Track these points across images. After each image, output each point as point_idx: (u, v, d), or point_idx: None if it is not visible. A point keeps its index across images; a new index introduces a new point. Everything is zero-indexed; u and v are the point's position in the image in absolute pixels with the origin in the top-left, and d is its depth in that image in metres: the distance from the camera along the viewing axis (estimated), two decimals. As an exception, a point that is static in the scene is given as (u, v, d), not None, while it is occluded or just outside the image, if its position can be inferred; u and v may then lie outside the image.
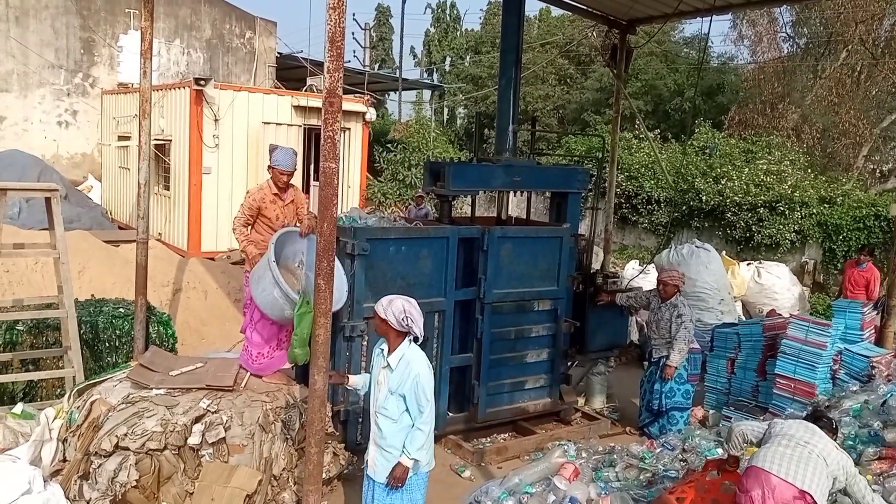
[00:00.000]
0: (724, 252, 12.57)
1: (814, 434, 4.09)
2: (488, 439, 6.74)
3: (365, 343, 5.81)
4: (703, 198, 14.62)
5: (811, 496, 3.76)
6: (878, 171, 19.37)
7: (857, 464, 4.75)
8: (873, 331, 7.64)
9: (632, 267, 11.79)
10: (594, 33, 21.06)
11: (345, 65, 4.09)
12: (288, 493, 5.06)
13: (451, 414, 6.53)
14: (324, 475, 4.80)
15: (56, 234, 5.85)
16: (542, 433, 6.82)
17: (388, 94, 30.60)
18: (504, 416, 6.76)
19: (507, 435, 6.86)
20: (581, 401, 7.70)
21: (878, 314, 7.85)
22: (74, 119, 18.08)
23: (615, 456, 5.75)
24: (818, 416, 4.39)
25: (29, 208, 12.37)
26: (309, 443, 4.15)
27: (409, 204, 16.37)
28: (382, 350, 4.15)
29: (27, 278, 7.70)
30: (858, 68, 19.45)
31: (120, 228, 14.60)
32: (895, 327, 7.90)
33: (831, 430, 4.31)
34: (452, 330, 6.31)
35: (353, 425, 5.85)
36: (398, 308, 4.02)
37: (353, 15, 42.44)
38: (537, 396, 6.95)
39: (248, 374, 5.57)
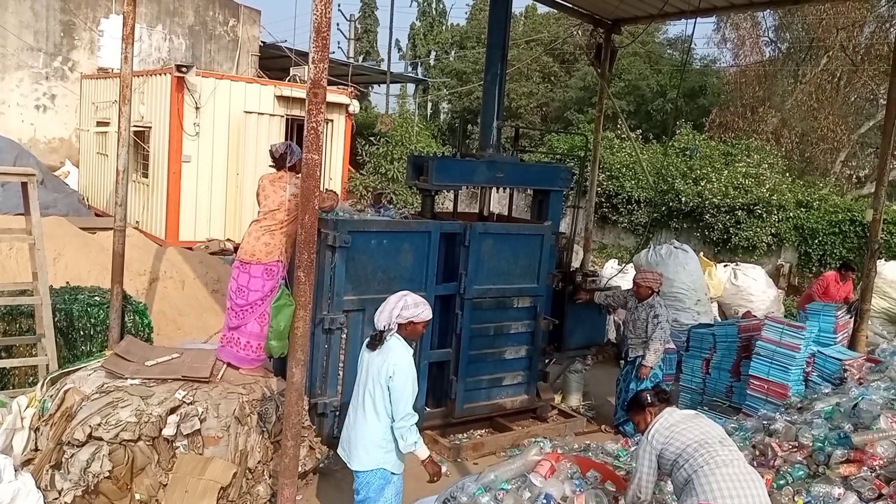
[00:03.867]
0: (701, 253, 12.69)
1: (709, 426, 3.92)
2: (465, 435, 6.76)
3: (344, 336, 5.80)
4: (683, 199, 14.74)
5: None
6: (854, 176, 19.68)
7: (826, 466, 4.82)
8: (846, 334, 7.76)
9: (611, 266, 11.86)
10: (579, 32, 21.12)
11: (329, 56, 4.07)
12: (263, 486, 5.04)
13: (428, 409, 6.54)
14: (299, 469, 4.79)
15: (32, 219, 5.77)
16: (518, 430, 6.85)
17: (372, 87, 30.47)
18: (481, 412, 6.79)
19: (483, 431, 6.89)
20: (558, 398, 7.75)
21: (850, 318, 7.97)
22: (53, 103, 17.81)
23: (590, 453, 5.78)
24: (659, 392, 4.21)
25: (4, 193, 12.16)
26: (285, 436, 4.14)
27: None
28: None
29: (1, 264, 7.59)
30: (838, 74, 19.72)
31: (97, 215, 14.42)
32: (867, 331, 8.04)
33: (668, 400, 4.19)
34: (432, 325, 6.30)
35: (330, 419, 5.84)
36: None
37: (339, 6, 42.18)
38: (515, 393, 6.98)
39: (225, 365, 5.53)
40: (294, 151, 5.66)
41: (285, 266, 5.51)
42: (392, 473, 4.21)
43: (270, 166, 5.76)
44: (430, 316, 4.25)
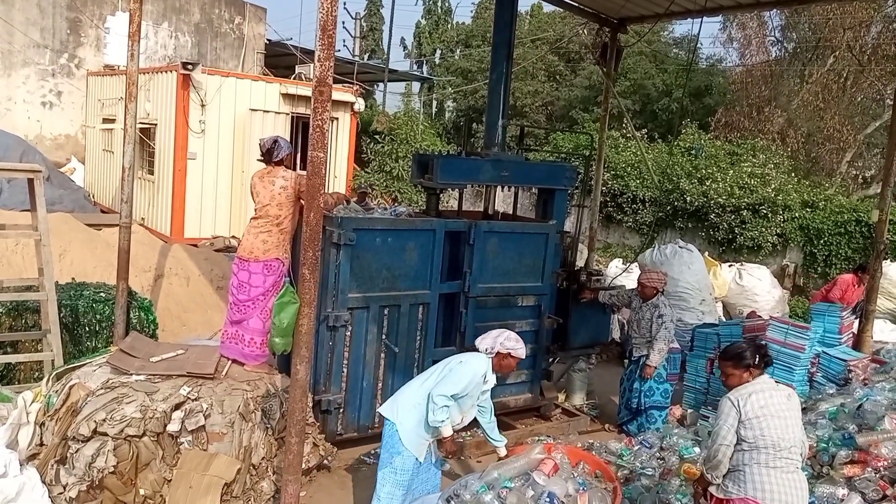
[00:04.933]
0: (706, 253, 12.68)
1: (792, 428, 3.74)
2: (468, 433, 6.74)
3: (348, 333, 5.80)
4: (688, 198, 14.71)
5: None
6: (860, 176, 19.60)
7: (830, 467, 4.82)
8: (851, 335, 7.74)
9: (615, 265, 11.86)
10: (585, 31, 21.09)
11: (335, 54, 4.07)
12: (267, 483, 5.05)
13: (432, 407, 6.53)
14: (303, 465, 4.81)
15: (38, 215, 5.79)
16: (521, 428, 6.85)
17: (378, 85, 30.48)
18: (485, 410, 6.78)
19: (487, 429, 6.88)
20: (561, 397, 7.74)
21: (856, 318, 7.96)
22: (59, 100, 17.87)
23: (594, 452, 5.79)
24: (765, 356, 3.91)
25: (11, 189, 12.22)
26: (289, 432, 4.15)
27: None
28: (489, 378, 4.64)
29: (7, 259, 7.61)
30: (845, 74, 19.64)
31: (102, 212, 14.47)
32: (872, 332, 8.02)
33: (770, 362, 3.96)
34: (436, 323, 6.31)
35: (333, 416, 5.85)
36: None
37: (345, 4, 42.15)
38: (518, 391, 6.97)
39: (230, 362, 5.56)
40: (281, 146, 5.63)
41: (284, 263, 5.54)
42: (401, 442, 4.38)
43: (259, 160, 5.76)
44: (524, 356, 4.72)
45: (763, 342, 4.39)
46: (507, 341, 4.57)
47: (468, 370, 4.47)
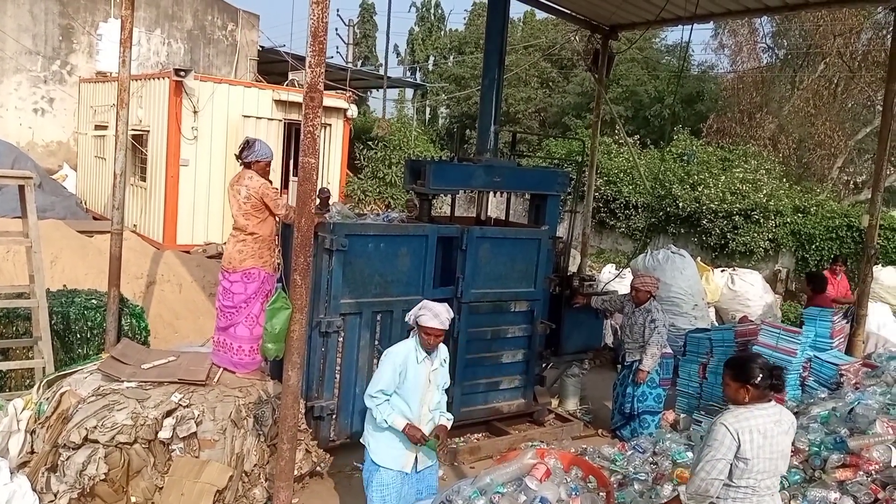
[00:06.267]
0: (699, 258, 12.72)
1: (781, 458, 3.49)
2: (461, 439, 6.75)
3: (341, 339, 5.79)
4: (680, 204, 14.76)
5: None
6: (851, 182, 19.73)
7: (822, 470, 4.83)
8: (843, 339, 7.77)
9: (608, 271, 11.87)
10: (577, 38, 21.18)
11: (328, 61, 4.08)
12: (259, 490, 5.03)
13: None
14: (295, 472, 4.79)
15: (29, 222, 5.77)
16: (515, 434, 6.85)
17: (371, 92, 30.53)
18: (478, 415, 6.78)
19: (480, 435, 6.88)
20: (554, 402, 7.74)
21: (847, 323, 7.99)
22: (51, 107, 17.83)
23: (587, 458, 5.78)
24: (778, 380, 3.49)
25: (1, 196, 12.15)
26: (281, 439, 4.14)
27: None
28: (422, 357, 4.29)
29: (-2, 267, 7.60)
30: (836, 81, 19.77)
31: (94, 219, 14.42)
32: (864, 336, 8.06)
33: (780, 389, 3.50)
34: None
35: (326, 422, 5.83)
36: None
37: (338, 11, 42.34)
38: (511, 397, 6.97)
39: (221, 368, 5.55)
40: (254, 150, 5.52)
41: (263, 271, 5.53)
42: (373, 462, 4.28)
43: (235, 155, 5.68)
44: (433, 324, 4.22)
45: (781, 365, 4.05)
46: (415, 310, 4.29)
47: (385, 361, 4.26)
